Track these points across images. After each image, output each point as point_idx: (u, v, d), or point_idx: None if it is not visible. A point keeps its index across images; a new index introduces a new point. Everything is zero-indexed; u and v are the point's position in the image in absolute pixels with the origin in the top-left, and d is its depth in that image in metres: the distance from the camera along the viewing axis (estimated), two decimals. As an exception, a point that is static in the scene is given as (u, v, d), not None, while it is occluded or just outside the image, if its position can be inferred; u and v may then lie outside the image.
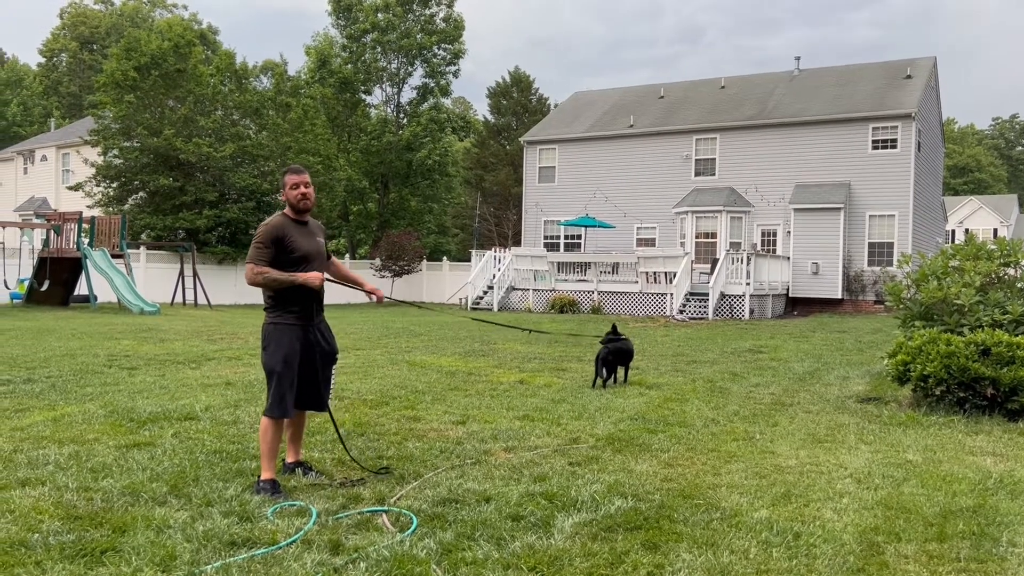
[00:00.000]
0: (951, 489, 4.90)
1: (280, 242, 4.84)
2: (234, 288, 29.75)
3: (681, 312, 22.84)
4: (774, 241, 28.36)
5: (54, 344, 13.16)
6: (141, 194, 30.17)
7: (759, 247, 27.86)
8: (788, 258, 27.11)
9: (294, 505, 4.55)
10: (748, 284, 23.24)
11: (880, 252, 26.78)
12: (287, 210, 5.04)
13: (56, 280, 23.17)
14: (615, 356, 9.03)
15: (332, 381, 5.26)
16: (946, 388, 7.29)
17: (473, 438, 6.20)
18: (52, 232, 23.29)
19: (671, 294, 23.46)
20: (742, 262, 23.53)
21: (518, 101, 47.07)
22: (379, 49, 40.73)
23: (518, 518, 4.33)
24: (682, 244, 27.97)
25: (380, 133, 39.15)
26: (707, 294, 23.22)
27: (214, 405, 7.39)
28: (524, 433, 6.40)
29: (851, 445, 6.18)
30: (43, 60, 71.00)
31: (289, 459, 5.22)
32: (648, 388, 9.00)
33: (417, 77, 41.80)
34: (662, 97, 33.46)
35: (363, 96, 40.97)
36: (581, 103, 35.71)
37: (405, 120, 41.73)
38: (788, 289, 26.97)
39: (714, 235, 28.15)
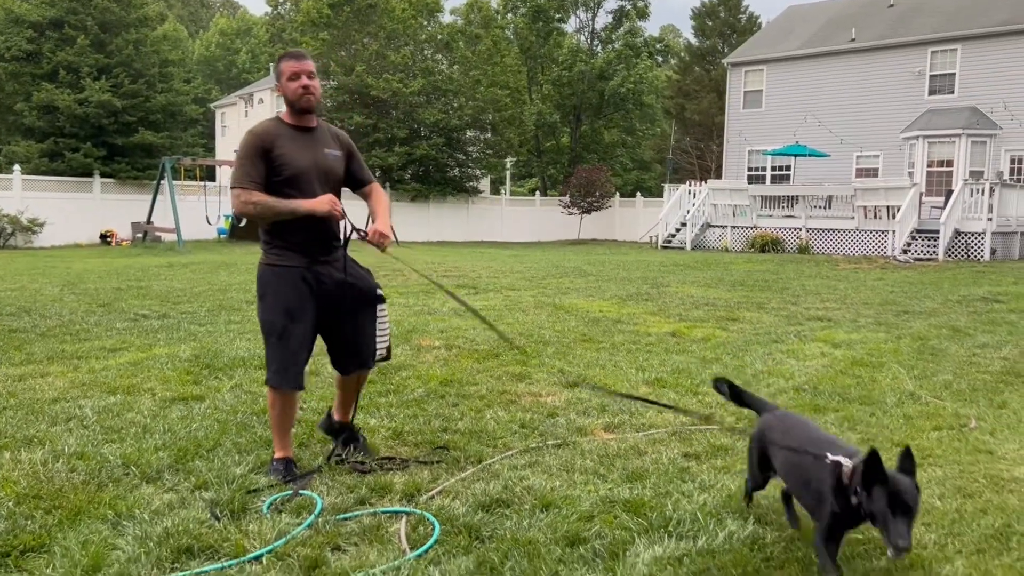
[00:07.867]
0: None
1: (267, 155, 3.63)
2: (426, 226, 30.00)
3: (905, 252, 19.79)
4: (1026, 169, 23.99)
5: (221, 279, 13.27)
6: (337, 132, 30.85)
7: (1006, 176, 23.62)
8: (1044, 189, 22.77)
9: (301, 495, 3.53)
10: (990, 219, 19.67)
11: None
12: (284, 112, 3.85)
13: (256, 217, 24.10)
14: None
15: (385, 325, 4.07)
16: None
17: (573, 408, 4.88)
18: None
19: (893, 231, 20.43)
20: (983, 193, 19.92)
21: (725, 21, 43.24)
22: (575, -28, 38.82)
23: (576, 541, 3.03)
24: (910, 174, 24.31)
25: (572, 63, 37.46)
26: (937, 231, 19.95)
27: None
28: (643, 404, 4.99)
29: (1122, 447, 4.21)
30: (269, 10, 75.38)
31: (336, 416, 4.11)
32: (834, 346, 7.18)
33: (613, 0, 39.52)
34: (891, 5, 29.11)
35: (557, 24, 39.32)
36: (795, 18, 32.03)
37: (599, 47, 39.68)
38: (1042, 226, 22.73)
39: (950, 163, 24.23)
